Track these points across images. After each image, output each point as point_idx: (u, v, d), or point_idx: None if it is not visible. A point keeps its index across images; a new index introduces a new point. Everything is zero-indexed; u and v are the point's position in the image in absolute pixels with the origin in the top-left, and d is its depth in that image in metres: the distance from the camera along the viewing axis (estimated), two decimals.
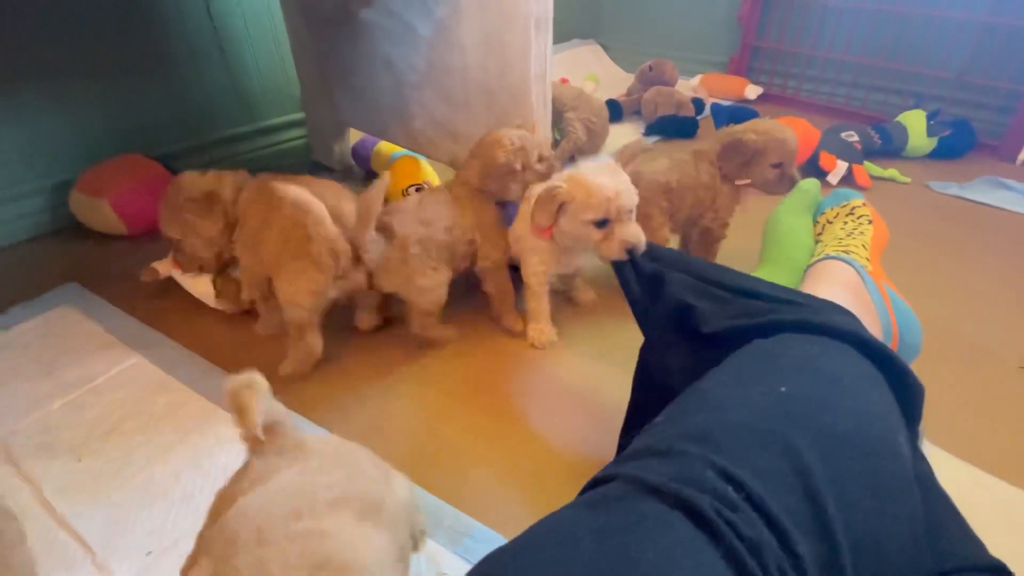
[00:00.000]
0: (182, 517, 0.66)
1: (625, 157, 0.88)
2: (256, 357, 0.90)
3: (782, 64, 1.97)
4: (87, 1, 1.19)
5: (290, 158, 1.59)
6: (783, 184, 0.97)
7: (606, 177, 0.75)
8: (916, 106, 1.60)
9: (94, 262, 1.14)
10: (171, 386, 0.84)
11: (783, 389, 0.45)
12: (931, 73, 1.67)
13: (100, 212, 1.17)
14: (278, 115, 1.58)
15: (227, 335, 0.95)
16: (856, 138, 1.47)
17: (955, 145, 1.52)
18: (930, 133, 1.51)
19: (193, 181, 0.91)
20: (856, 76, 1.82)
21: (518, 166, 0.86)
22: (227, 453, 0.73)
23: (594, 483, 0.39)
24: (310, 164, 1.56)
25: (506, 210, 0.93)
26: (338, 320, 0.93)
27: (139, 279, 1.00)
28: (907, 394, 0.52)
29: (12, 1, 1.10)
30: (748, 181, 0.98)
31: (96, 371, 0.87)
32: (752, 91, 1.92)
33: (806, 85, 1.94)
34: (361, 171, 1.48)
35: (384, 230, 0.82)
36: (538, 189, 0.81)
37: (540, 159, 0.88)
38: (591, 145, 1.51)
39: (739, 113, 1.50)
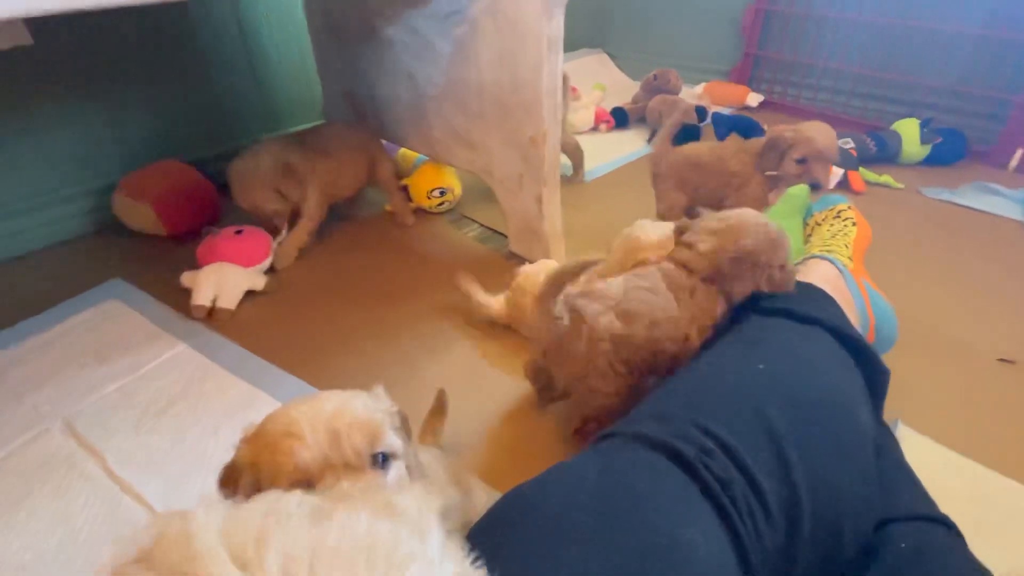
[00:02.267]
0: None
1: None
2: (289, 343, 0.98)
3: (782, 73, 2.05)
4: (130, 17, 1.29)
5: None
6: (803, 180, 1.04)
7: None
8: (910, 115, 1.67)
9: (137, 259, 1.23)
10: (215, 372, 0.93)
11: (761, 367, 0.53)
12: (926, 83, 1.74)
13: (142, 214, 1.26)
14: (301, 123, 1.67)
15: (261, 324, 1.04)
16: (852, 145, 1.54)
17: (947, 152, 1.59)
18: (923, 141, 1.58)
19: (265, 155, 1.12)
20: (854, 85, 1.89)
21: (763, 259, 0.70)
22: None
23: (600, 439, 0.47)
24: None
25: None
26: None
27: (178, 280, 1.09)
28: (874, 376, 0.60)
29: (63, 18, 1.20)
30: (775, 173, 1.06)
31: (145, 359, 0.96)
32: (753, 99, 1.99)
33: (806, 93, 2.01)
34: None
35: (573, 312, 0.69)
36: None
37: (782, 268, 0.71)
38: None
39: (740, 122, 1.57)
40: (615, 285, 0.71)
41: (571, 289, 0.70)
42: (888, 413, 0.69)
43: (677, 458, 0.41)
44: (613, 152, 1.69)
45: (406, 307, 1.09)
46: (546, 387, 0.83)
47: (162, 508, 0.72)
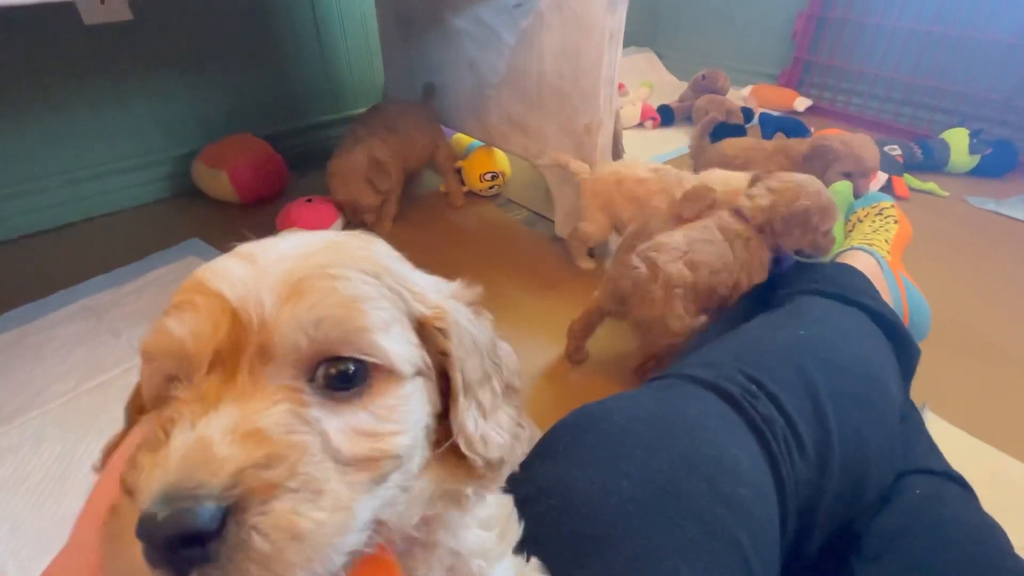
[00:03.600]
0: None
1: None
2: None
3: (832, 79, 2.05)
4: (219, 1, 1.40)
5: None
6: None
7: None
8: (961, 125, 1.67)
9: (212, 223, 1.34)
10: None
11: (802, 332, 0.59)
12: (978, 94, 1.73)
13: (219, 181, 1.37)
14: (363, 105, 1.76)
15: None
16: (898, 151, 1.55)
17: (996, 164, 1.58)
18: (972, 151, 1.58)
19: (360, 153, 1.23)
20: (905, 94, 1.89)
21: (814, 221, 0.81)
22: None
23: (651, 380, 0.53)
24: None
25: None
26: None
27: (249, 237, 1.19)
28: (906, 354, 0.65)
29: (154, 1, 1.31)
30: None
31: None
32: (801, 103, 2.01)
33: (855, 100, 2.01)
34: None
35: (648, 265, 0.80)
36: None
37: (826, 234, 0.84)
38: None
39: (787, 124, 1.60)
40: (677, 237, 0.82)
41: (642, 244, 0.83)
42: (916, 400, 0.73)
43: (724, 395, 0.47)
44: (657, 148, 1.74)
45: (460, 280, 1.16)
46: (586, 337, 0.94)
47: None
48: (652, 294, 0.80)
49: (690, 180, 1.01)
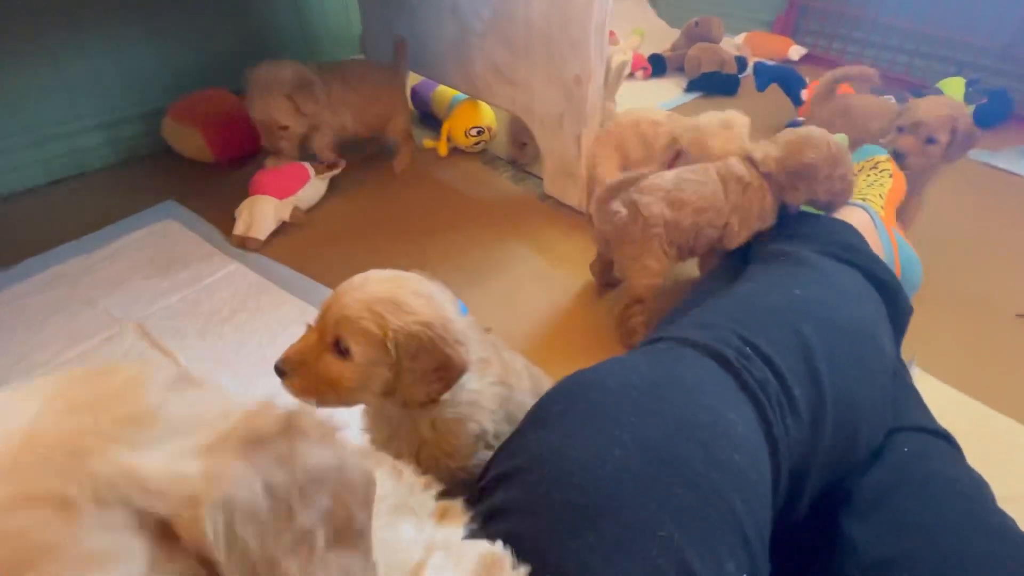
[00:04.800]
0: None
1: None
2: (333, 268, 1.04)
3: (829, 25, 1.98)
4: None
5: None
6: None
7: None
8: (957, 74, 1.63)
9: (186, 183, 1.29)
10: (269, 288, 1.00)
11: (797, 292, 0.57)
12: (976, 43, 1.69)
13: (191, 139, 1.31)
14: (339, 55, 1.68)
15: (306, 250, 1.09)
16: (893, 102, 1.51)
17: (991, 114, 1.56)
18: (967, 101, 1.55)
19: (287, 66, 1.13)
20: (902, 41, 1.84)
21: (822, 174, 0.80)
22: None
23: (645, 343, 0.52)
24: None
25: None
26: None
27: (227, 203, 1.14)
28: (898, 312, 0.64)
29: None
30: None
31: (203, 273, 1.03)
32: (796, 52, 1.94)
33: (851, 47, 1.95)
34: (418, 113, 1.59)
35: (630, 207, 0.82)
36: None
37: (842, 179, 0.82)
38: None
39: (782, 74, 1.54)
40: (668, 176, 0.84)
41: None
42: (905, 355, 0.74)
43: (719, 358, 0.46)
44: (649, 100, 1.68)
45: (445, 240, 1.13)
46: (604, 276, 0.99)
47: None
48: (632, 235, 0.83)
49: (702, 126, 1.00)
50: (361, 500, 0.23)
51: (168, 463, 0.20)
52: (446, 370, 0.46)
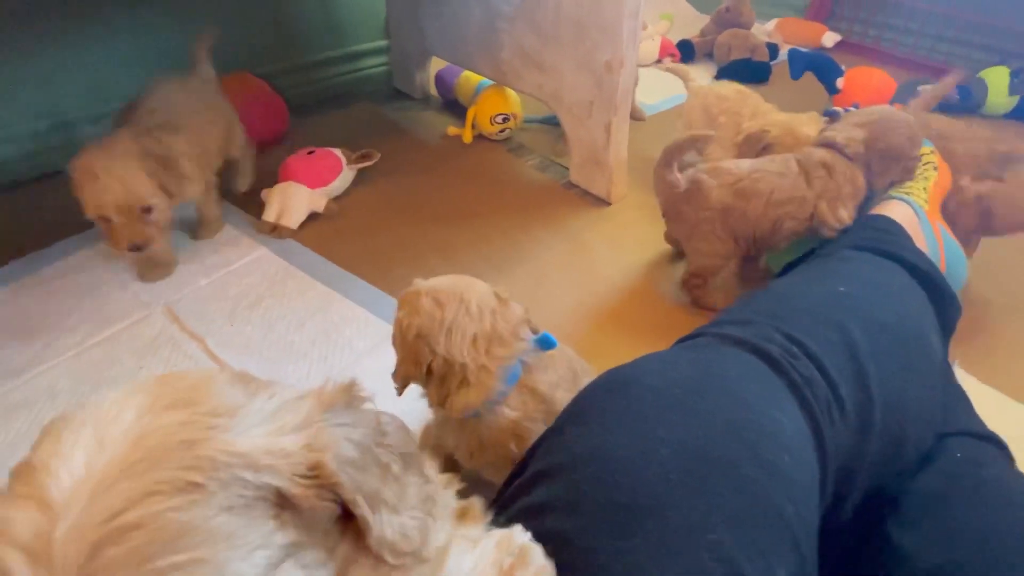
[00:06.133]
0: (321, 373, 0.82)
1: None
2: (358, 256, 1.04)
3: (864, 11, 1.92)
4: None
5: (371, 85, 1.68)
6: None
7: None
8: (1001, 63, 1.57)
9: None
10: (295, 274, 1.00)
11: (841, 289, 0.55)
12: (1020, 29, 1.62)
13: None
14: (363, 42, 1.66)
15: (332, 238, 1.09)
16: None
17: None
18: (1011, 91, 1.49)
19: (125, 143, 0.88)
20: (942, 29, 1.77)
21: (906, 154, 0.81)
22: (350, 328, 0.88)
23: (683, 339, 0.51)
24: (391, 91, 1.65)
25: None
26: None
27: (253, 190, 1.14)
28: (946, 311, 0.62)
29: None
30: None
31: (231, 258, 1.03)
32: (829, 38, 1.88)
33: (887, 35, 1.89)
34: (441, 100, 1.57)
35: (692, 183, 0.83)
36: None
37: (914, 158, 0.83)
38: None
39: (818, 61, 1.49)
40: (744, 165, 0.84)
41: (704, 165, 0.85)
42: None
43: (764, 356, 0.44)
44: (677, 88, 1.64)
45: (470, 228, 1.12)
46: (675, 242, 1.01)
47: None
48: (685, 213, 0.84)
49: (762, 110, 1.03)
50: (406, 437, 0.29)
51: (268, 442, 0.23)
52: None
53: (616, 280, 1.00)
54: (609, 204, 1.17)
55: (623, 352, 0.82)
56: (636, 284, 0.99)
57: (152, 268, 0.98)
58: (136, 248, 0.89)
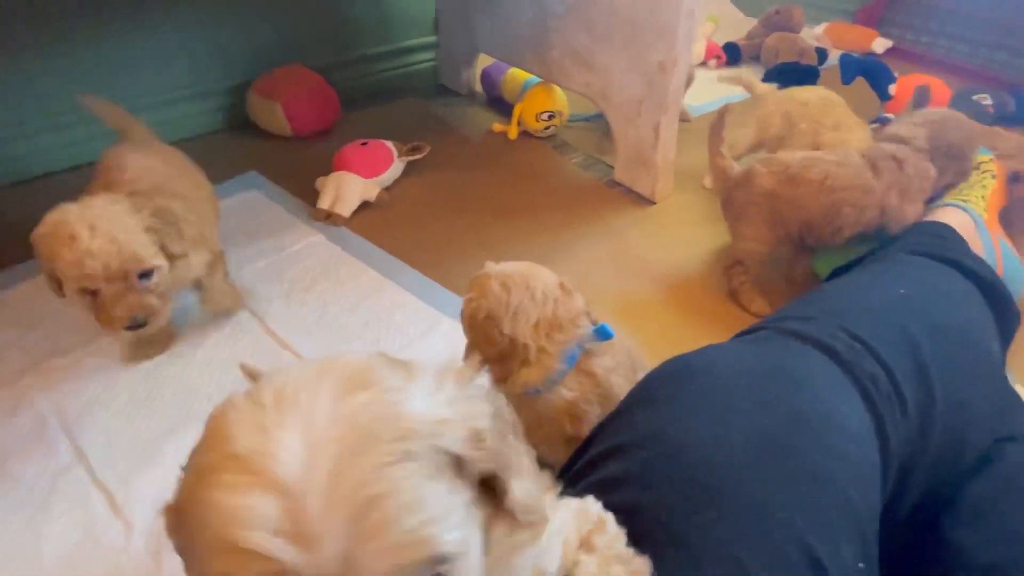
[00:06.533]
0: None
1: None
2: (407, 245, 1.07)
3: (918, 18, 1.88)
4: None
5: (418, 80, 1.71)
6: None
7: None
8: None
9: (267, 156, 1.34)
10: (348, 260, 1.03)
11: (902, 291, 0.56)
12: None
13: (272, 113, 1.36)
14: (412, 38, 1.70)
15: (382, 228, 1.12)
16: (989, 101, 1.42)
17: None
18: None
19: (118, 204, 0.70)
20: (1000, 36, 1.72)
21: (966, 153, 0.82)
22: (401, 314, 0.92)
23: (744, 332, 0.52)
24: (437, 87, 1.69)
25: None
26: None
27: (308, 178, 1.18)
28: (1005, 316, 0.62)
29: None
30: None
31: (286, 243, 1.07)
32: (880, 44, 1.85)
33: (941, 41, 1.84)
34: (486, 96, 1.60)
35: (744, 171, 0.87)
36: None
37: (969, 159, 0.84)
38: None
39: (871, 67, 1.47)
40: (798, 155, 0.87)
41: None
42: None
43: (827, 350, 0.45)
44: (722, 90, 1.64)
45: (514, 223, 1.14)
46: None
47: None
48: (736, 198, 0.88)
49: (847, 123, 1.04)
50: (511, 411, 0.31)
51: (440, 413, 0.25)
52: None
53: (660, 279, 1.01)
54: (653, 203, 1.18)
55: (666, 351, 0.83)
56: (681, 283, 1.00)
57: (147, 345, 0.82)
58: (138, 325, 0.70)
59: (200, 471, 0.22)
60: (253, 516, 0.20)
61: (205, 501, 0.21)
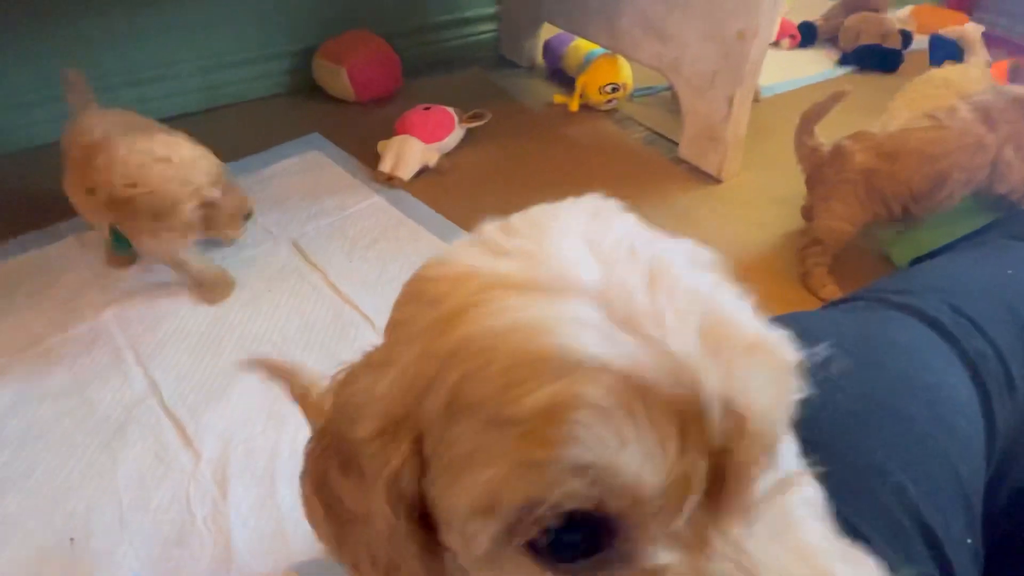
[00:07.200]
0: None
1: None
2: (465, 211, 1.07)
3: (1015, 3, 1.74)
4: None
5: (479, 50, 1.70)
6: None
7: None
8: None
9: (330, 118, 1.35)
10: (406, 223, 1.04)
11: (1009, 272, 0.52)
12: None
13: (337, 78, 1.37)
14: (475, 8, 1.68)
15: (439, 193, 1.12)
16: None
17: None
18: None
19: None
20: None
21: None
22: None
23: (838, 302, 0.49)
24: (497, 58, 1.67)
25: None
26: None
27: (369, 141, 1.19)
28: None
29: None
30: None
31: (348, 203, 1.09)
32: (972, 30, 1.72)
33: None
34: (547, 69, 1.57)
35: (835, 148, 0.84)
36: None
37: None
38: None
39: (960, 50, 1.37)
40: (891, 127, 0.84)
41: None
42: None
43: (933, 323, 0.42)
44: (794, 71, 1.56)
45: (573, 197, 1.12)
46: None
47: (377, 320, 0.84)
48: (827, 176, 0.85)
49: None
50: None
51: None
52: None
53: (727, 260, 0.98)
54: (720, 182, 1.14)
55: None
56: (749, 265, 0.96)
57: (212, 289, 0.88)
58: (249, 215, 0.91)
59: (448, 315, 0.18)
60: (578, 325, 0.15)
61: (483, 335, 0.16)
